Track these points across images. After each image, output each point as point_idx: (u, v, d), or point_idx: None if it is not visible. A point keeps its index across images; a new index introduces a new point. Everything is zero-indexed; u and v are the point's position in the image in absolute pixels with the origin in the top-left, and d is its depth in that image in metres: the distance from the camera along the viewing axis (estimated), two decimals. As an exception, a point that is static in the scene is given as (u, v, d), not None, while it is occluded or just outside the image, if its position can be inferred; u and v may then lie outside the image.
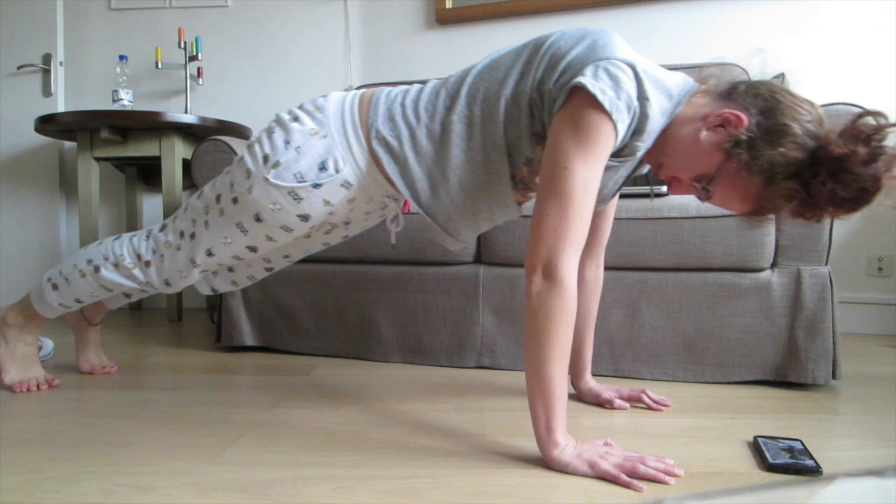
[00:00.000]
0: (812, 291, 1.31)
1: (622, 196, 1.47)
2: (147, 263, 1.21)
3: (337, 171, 1.04)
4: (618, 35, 0.95)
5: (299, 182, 1.03)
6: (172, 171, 2.28)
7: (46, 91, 2.68)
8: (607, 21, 2.33)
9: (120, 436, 1.05)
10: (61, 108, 2.69)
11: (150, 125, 2.22)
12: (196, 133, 2.39)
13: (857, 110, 0.90)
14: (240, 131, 2.39)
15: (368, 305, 1.64)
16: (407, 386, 1.38)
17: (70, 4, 2.78)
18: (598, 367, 1.45)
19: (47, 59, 2.66)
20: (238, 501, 0.79)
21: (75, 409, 1.22)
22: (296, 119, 1.05)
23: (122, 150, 2.32)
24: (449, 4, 2.46)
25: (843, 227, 2.11)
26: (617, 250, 1.41)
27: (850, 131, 0.87)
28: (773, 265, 1.35)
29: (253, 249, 1.15)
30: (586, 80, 0.87)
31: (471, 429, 1.07)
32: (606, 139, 0.88)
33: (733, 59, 2.17)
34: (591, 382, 1.25)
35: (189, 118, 2.22)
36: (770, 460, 0.88)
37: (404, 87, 1.09)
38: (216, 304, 1.91)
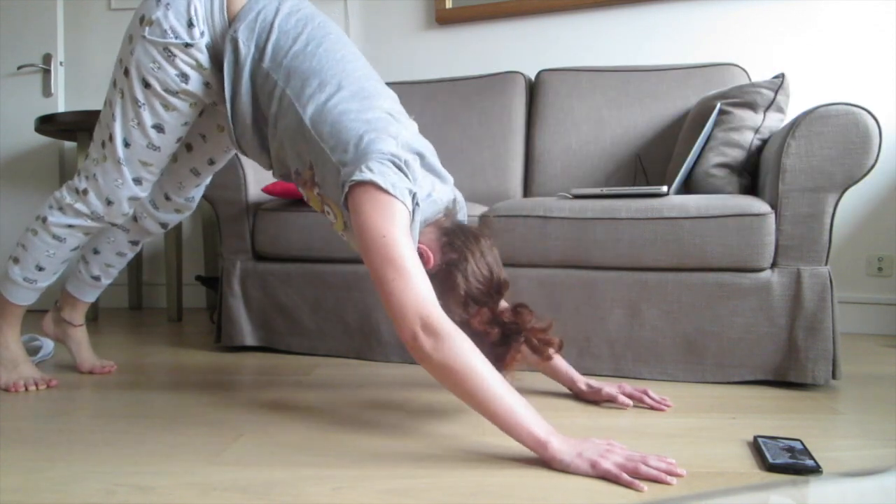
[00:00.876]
0: (812, 291, 1.31)
1: (622, 196, 1.47)
2: (85, 192, 1.28)
3: (201, 34, 1.14)
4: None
5: (173, 38, 1.13)
6: (172, 171, 2.28)
7: (46, 91, 2.68)
8: (607, 21, 2.32)
9: (120, 436, 1.05)
10: (61, 108, 2.69)
11: (150, 125, 2.22)
12: (196, 133, 2.39)
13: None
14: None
15: (368, 305, 1.64)
16: (407, 386, 1.38)
17: (70, 4, 2.78)
18: (599, 367, 1.45)
19: (47, 59, 2.66)
20: (238, 501, 0.79)
21: (75, 409, 1.22)
22: None
23: (122, 150, 2.32)
24: (449, 4, 2.46)
25: (843, 227, 2.11)
26: (617, 250, 1.41)
27: (496, 316, 1.04)
28: (773, 265, 1.35)
29: (160, 129, 1.21)
30: (375, 175, 0.96)
31: (471, 429, 1.07)
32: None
33: (733, 59, 2.17)
34: (588, 382, 1.24)
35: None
36: (770, 460, 0.88)
37: (281, 9, 1.15)
38: (216, 304, 1.91)
